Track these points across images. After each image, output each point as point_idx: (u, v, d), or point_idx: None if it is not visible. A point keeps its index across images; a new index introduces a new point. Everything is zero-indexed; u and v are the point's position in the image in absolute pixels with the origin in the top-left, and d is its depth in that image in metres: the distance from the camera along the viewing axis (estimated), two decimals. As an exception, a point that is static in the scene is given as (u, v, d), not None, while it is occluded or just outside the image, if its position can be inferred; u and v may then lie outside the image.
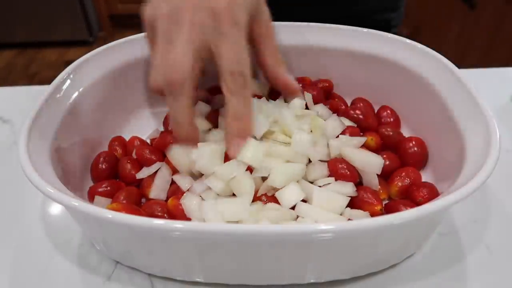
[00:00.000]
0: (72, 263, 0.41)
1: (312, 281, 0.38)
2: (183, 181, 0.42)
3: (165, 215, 0.40)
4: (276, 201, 0.40)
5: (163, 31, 0.38)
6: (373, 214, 0.39)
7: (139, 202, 0.43)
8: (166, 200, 0.42)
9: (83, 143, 0.47)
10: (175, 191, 0.42)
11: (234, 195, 0.40)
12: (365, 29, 0.53)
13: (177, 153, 0.43)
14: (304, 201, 0.40)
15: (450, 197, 0.32)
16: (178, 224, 0.30)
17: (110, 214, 0.31)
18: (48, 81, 0.45)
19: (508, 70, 0.68)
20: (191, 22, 0.36)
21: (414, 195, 0.41)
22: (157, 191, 0.43)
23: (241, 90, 0.38)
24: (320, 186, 0.41)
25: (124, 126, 0.54)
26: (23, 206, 0.47)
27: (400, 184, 0.43)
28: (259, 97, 0.49)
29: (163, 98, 0.39)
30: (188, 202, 0.39)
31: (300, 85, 0.51)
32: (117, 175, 0.46)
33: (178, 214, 0.39)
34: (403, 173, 0.44)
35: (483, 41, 1.47)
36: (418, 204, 0.41)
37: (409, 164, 0.46)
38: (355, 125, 0.49)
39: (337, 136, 0.46)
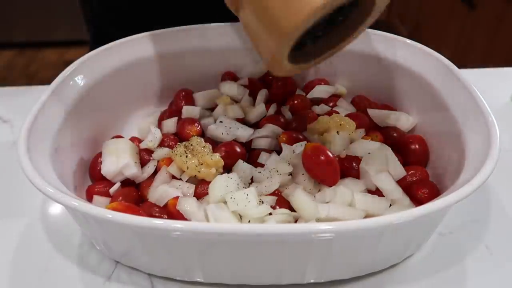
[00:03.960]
0: (72, 263, 0.41)
1: (312, 281, 0.38)
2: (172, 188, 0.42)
3: (164, 215, 0.40)
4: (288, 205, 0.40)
5: None
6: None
7: (138, 203, 0.43)
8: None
9: (83, 143, 0.47)
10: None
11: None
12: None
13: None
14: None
15: (450, 197, 0.32)
16: (178, 224, 0.30)
17: (110, 214, 0.31)
18: (48, 81, 0.45)
19: (508, 70, 0.68)
20: None
21: (414, 191, 0.41)
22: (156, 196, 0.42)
23: None
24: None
25: (124, 126, 0.54)
26: (23, 206, 0.47)
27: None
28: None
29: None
30: (184, 208, 0.39)
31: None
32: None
33: (178, 213, 0.39)
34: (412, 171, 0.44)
35: (483, 41, 1.47)
36: (418, 200, 0.41)
37: (411, 162, 0.46)
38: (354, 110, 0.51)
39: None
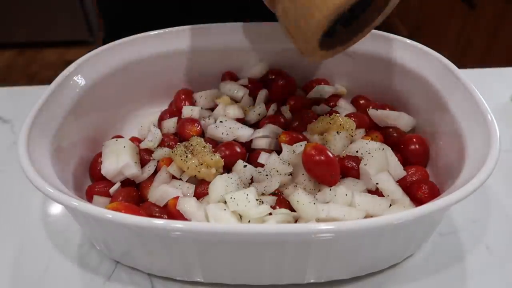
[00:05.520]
0: (72, 263, 0.41)
1: (312, 281, 0.38)
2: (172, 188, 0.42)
3: (164, 215, 0.40)
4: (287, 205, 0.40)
5: None
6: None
7: (138, 203, 0.43)
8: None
9: (83, 143, 0.47)
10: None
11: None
12: (365, 29, 0.53)
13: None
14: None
15: (450, 197, 0.32)
16: (178, 224, 0.30)
17: (110, 214, 0.31)
18: (48, 81, 0.45)
19: (508, 70, 0.68)
20: None
21: (414, 191, 0.41)
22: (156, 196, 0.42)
23: None
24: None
25: (124, 126, 0.54)
26: (23, 206, 0.47)
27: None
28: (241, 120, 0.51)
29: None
30: (184, 208, 0.39)
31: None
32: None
33: (178, 213, 0.39)
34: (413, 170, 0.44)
35: (483, 41, 1.47)
36: (418, 200, 0.41)
37: (411, 162, 0.46)
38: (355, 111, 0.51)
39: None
